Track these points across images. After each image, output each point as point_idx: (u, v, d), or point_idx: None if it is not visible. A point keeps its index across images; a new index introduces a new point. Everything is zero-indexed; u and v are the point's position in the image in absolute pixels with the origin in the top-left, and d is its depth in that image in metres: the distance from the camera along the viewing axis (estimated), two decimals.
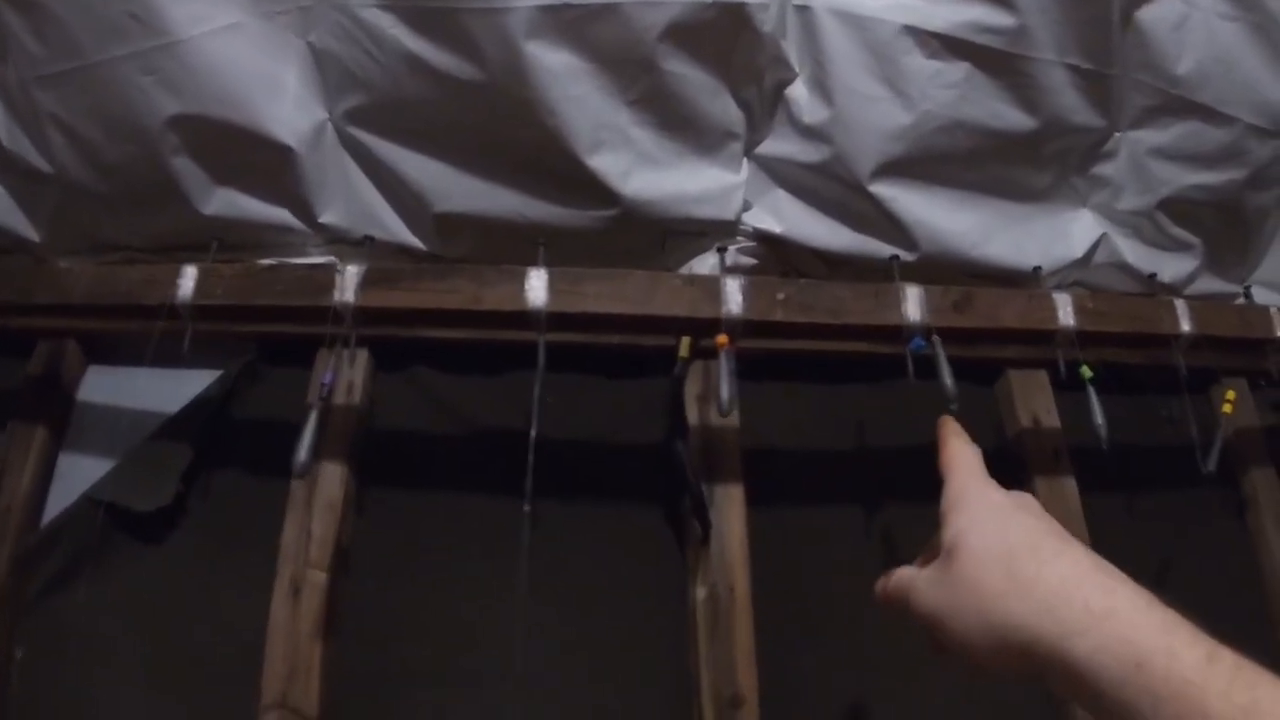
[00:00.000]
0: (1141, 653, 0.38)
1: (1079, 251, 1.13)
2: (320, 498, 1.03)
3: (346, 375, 1.10)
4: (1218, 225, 1.19)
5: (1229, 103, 1.10)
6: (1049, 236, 1.12)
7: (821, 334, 0.92)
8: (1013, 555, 0.46)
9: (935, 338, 0.91)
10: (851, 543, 1.09)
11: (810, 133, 1.03)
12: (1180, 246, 1.18)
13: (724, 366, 0.86)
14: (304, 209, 1.05)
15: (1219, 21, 1.07)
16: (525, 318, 0.90)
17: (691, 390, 1.11)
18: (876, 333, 0.93)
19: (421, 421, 1.11)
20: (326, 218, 1.06)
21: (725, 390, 0.84)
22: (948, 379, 0.87)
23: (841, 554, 1.08)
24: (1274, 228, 1.23)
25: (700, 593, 1.02)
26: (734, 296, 0.90)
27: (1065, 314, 0.96)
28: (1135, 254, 1.17)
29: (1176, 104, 1.09)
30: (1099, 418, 0.93)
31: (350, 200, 1.06)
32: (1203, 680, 0.36)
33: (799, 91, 1.04)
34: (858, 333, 0.92)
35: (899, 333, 0.93)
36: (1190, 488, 1.22)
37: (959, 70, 1.01)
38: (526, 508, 0.85)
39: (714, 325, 0.88)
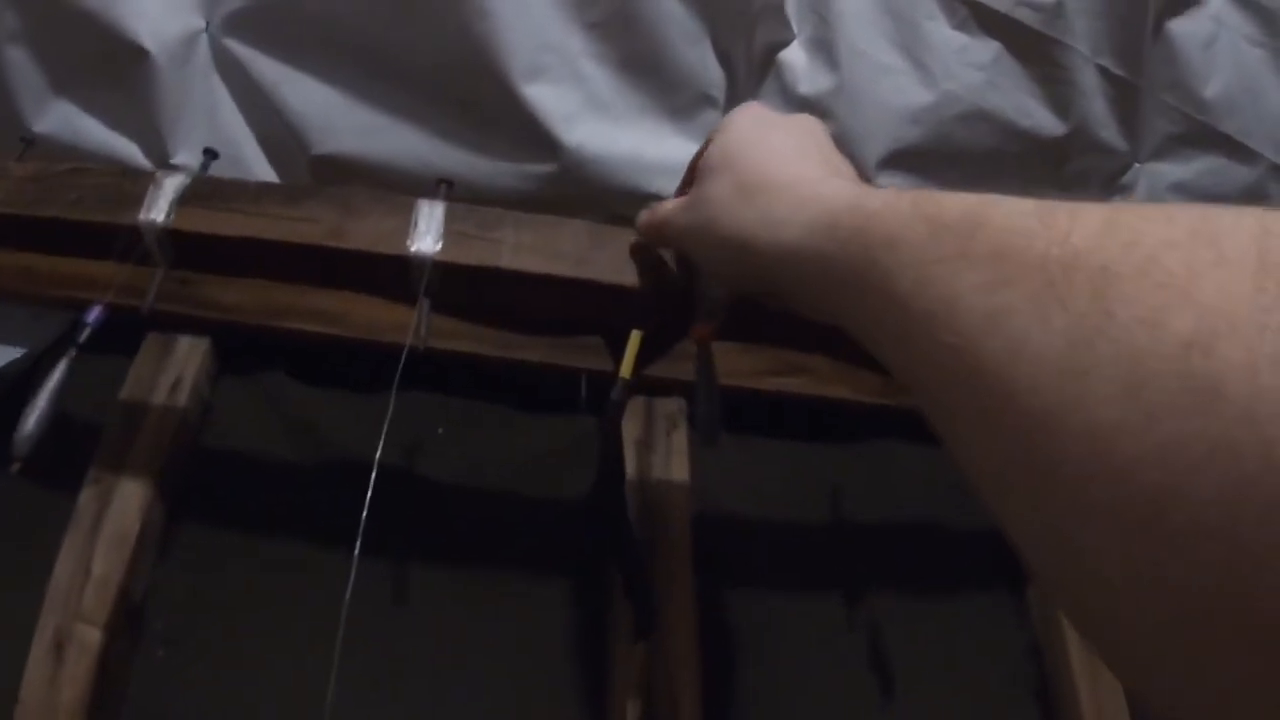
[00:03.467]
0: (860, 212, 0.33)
1: None
2: (109, 524, 0.69)
3: (173, 370, 0.78)
4: None
5: (1254, 136, 0.97)
6: None
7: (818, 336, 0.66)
8: (749, 167, 0.43)
9: None
10: (829, 637, 0.82)
11: (808, 105, 0.80)
12: None
13: (701, 371, 0.59)
14: (155, 143, 0.78)
15: (1246, 46, 0.96)
16: (405, 269, 0.61)
17: (630, 433, 0.83)
18: None
19: (269, 444, 0.78)
20: (181, 157, 0.78)
21: (704, 407, 0.57)
22: None
23: (817, 652, 0.80)
24: None
25: (633, 711, 0.72)
26: None
27: None
28: None
29: (1201, 133, 0.96)
30: None
31: (212, 137, 0.78)
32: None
33: (795, 56, 0.81)
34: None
35: None
36: None
37: (988, 49, 0.82)
38: (353, 568, 0.54)
39: (684, 306, 0.60)
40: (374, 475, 0.54)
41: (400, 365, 0.59)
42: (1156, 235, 0.22)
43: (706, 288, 0.55)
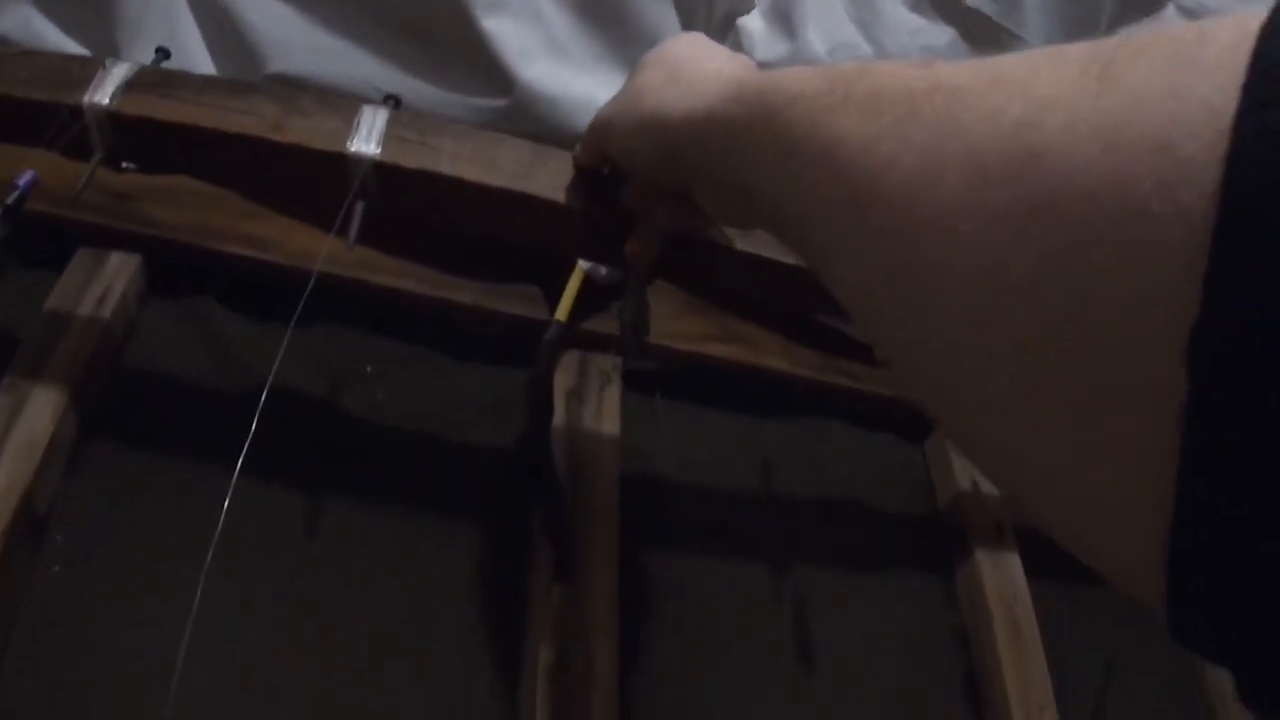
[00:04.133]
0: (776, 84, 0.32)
1: None
2: (19, 432, 0.66)
3: (100, 283, 0.76)
4: None
5: None
6: None
7: (753, 277, 0.65)
8: (680, 61, 0.44)
9: None
10: (753, 607, 0.80)
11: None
12: None
13: (631, 289, 0.58)
14: (110, 53, 0.76)
15: None
16: (344, 167, 0.59)
17: (563, 383, 0.81)
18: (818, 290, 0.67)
19: (191, 368, 0.75)
20: None
21: (629, 323, 0.55)
22: None
23: (740, 620, 0.78)
24: None
25: (544, 657, 0.69)
26: None
27: None
28: None
29: None
30: None
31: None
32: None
33: (754, 23, 0.83)
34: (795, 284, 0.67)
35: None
36: None
37: (944, 34, 0.84)
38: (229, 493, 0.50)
39: (622, 228, 0.60)
40: (263, 398, 0.52)
41: (309, 283, 0.57)
42: (1013, 59, 0.23)
43: (642, 213, 0.55)
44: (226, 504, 0.50)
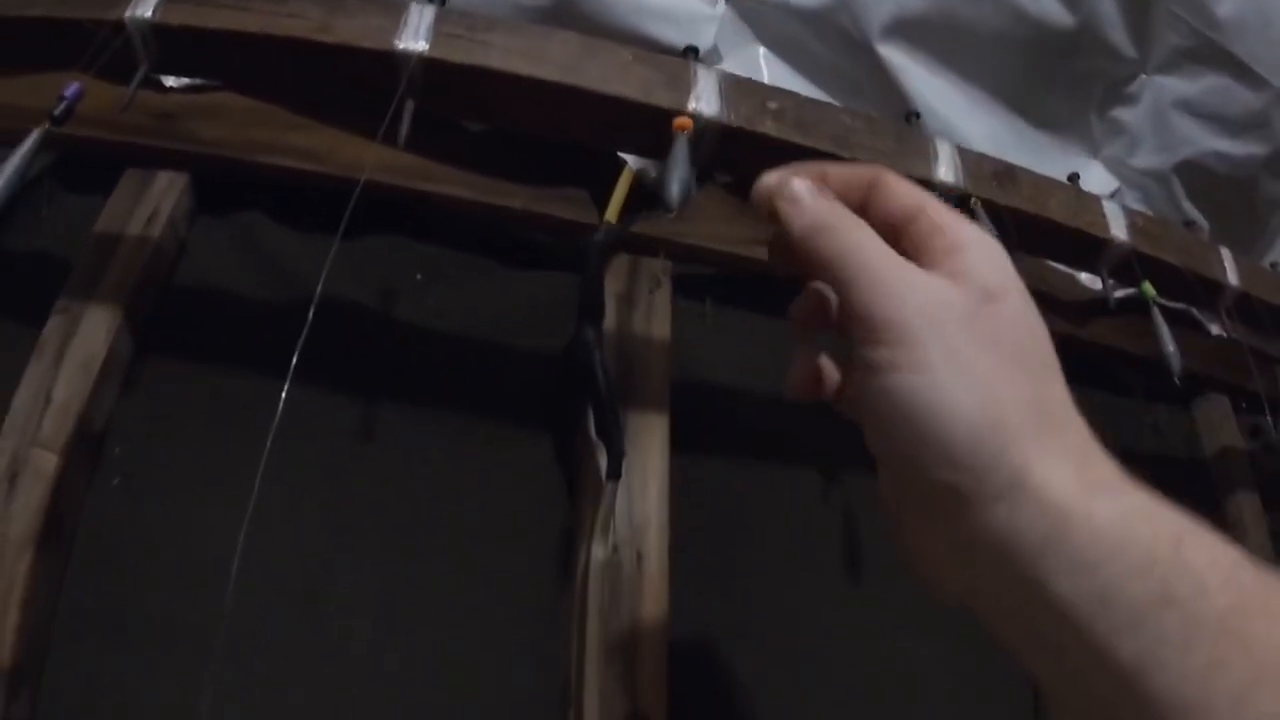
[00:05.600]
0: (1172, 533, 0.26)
1: None
2: (75, 351, 0.67)
3: (149, 203, 0.76)
4: (1228, 207, 1.03)
5: (1262, 61, 0.96)
6: (1063, 176, 0.92)
7: None
8: (1051, 361, 0.30)
9: (976, 203, 0.65)
10: (803, 513, 0.80)
11: None
12: (1189, 225, 1.01)
13: (677, 155, 0.57)
14: None
15: None
16: (392, 65, 0.59)
17: (612, 286, 0.81)
18: None
19: (242, 283, 0.76)
20: None
21: (676, 184, 0.54)
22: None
23: (790, 526, 0.79)
24: (1277, 227, 1.09)
25: (597, 554, 0.70)
26: (709, 87, 0.62)
27: (1117, 224, 0.74)
28: None
29: (1210, 51, 0.94)
30: (1169, 345, 0.70)
31: None
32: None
33: None
34: None
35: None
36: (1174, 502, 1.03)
37: None
38: (282, 397, 0.51)
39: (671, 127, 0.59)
40: (312, 308, 0.52)
41: (356, 191, 0.57)
42: None
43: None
44: (280, 409, 0.50)
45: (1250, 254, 1.10)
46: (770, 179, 0.35)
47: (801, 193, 0.34)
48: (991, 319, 0.29)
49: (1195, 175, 0.99)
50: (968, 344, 0.28)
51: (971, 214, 0.67)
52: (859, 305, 0.30)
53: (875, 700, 0.76)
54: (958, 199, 0.67)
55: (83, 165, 0.77)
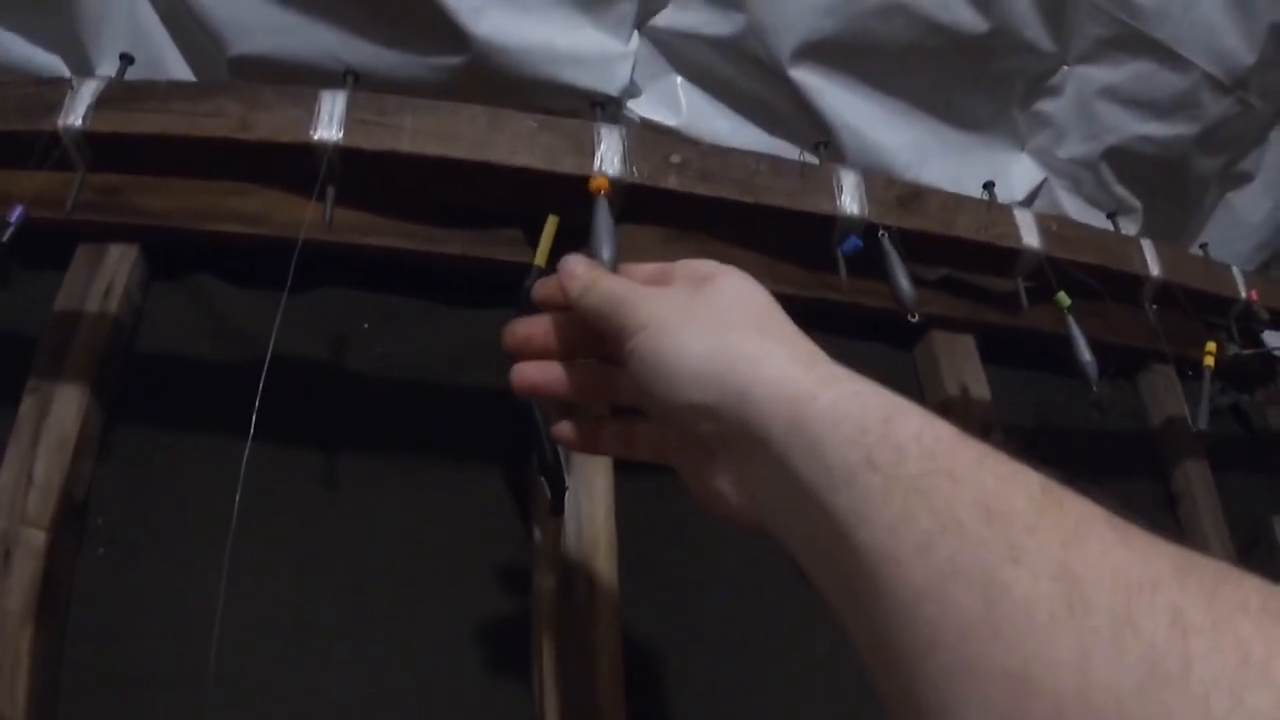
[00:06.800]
0: (895, 410, 0.31)
1: (1019, 195, 0.97)
2: (50, 430, 0.71)
3: (104, 277, 0.80)
4: (1160, 188, 1.05)
5: (1186, 44, 0.97)
6: (988, 174, 0.94)
7: (726, 214, 0.68)
8: (773, 311, 0.39)
9: (884, 233, 0.68)
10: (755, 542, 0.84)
11: None
12: (1121, 209, 1.03)
13: (600, 219, 0.60)
14: (77, 54, 0.79)
15: None
16: (311, 153, 0.62)
17: None
18: (799, 221, 0.69)
19: (199, 345, 0.80)
20: (104, 68, 0.79)
21: (607, 247, 0.58)
22: (903, 281, 0.65)
23: (739, 539, 0.83)
24: (1212, 202, 1.11)
25: (547, 583, 0.75)
26: (611, 148, 0.65)
27: (1029, 233, 0.76)
28: (1075, 210, 1.01)
29: (1132, 38, 0.96)
30: (1086, 354, 0.73)
31: (133, 45, 0.78)
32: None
33: None
34: (774, 219, 0.69)
35: (829, 226, 0.69)
36: (1119, 477, 1.07)
37: None
38: (244, 459, 0.55)
39: (580, 186, 0.63)
40: (266, 364, 0.56)
41: (295, 253, 0.60)
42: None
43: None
44: (244, 467, 0.55)
45: (1187, 231, 1.12)
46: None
47: (575, 265, 0.44)
48: (709, 292, 0.39)
49: (1124, 160, 1.01)
50: (690, 310, 0.38)
51: (879, 244, 0.70)
52: (620, 322, 0.39)
53: (833, 701, 0.81)
54: (864, 228, 0.70)
55: (36, 243, 0.81)
